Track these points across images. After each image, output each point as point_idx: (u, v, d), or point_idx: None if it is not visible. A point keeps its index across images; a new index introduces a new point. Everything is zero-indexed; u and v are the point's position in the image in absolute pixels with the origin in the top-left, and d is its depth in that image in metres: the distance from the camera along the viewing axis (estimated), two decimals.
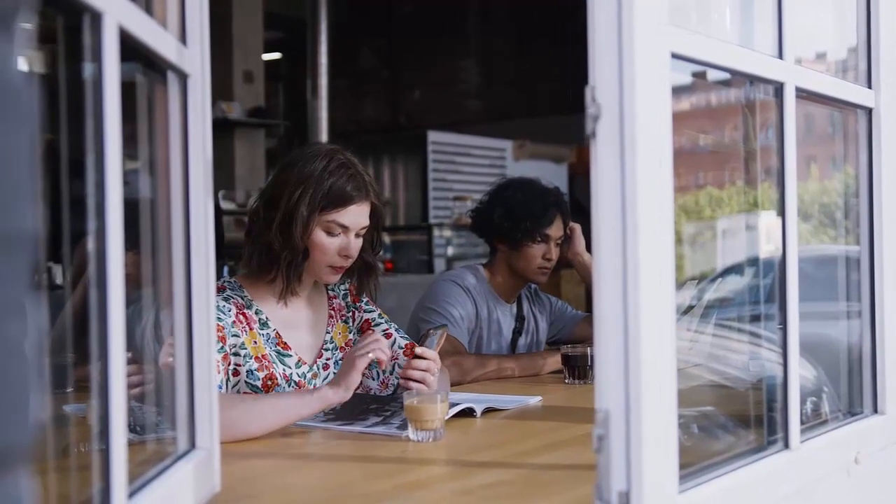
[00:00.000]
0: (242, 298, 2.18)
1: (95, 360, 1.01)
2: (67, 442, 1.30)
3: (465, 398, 2.17)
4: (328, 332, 2.30)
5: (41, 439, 0.59)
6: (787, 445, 1.49)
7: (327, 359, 2.28)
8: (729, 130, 2.01)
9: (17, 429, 0.54)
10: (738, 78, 1.58)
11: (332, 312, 2.33)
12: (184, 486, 1.28)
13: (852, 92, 1.75)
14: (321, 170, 2.12)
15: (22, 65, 0.57)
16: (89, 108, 1.01)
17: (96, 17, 0.98)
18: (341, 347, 2.30)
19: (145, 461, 1.28)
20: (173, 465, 1.28)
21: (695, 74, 1.45)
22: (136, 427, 1.36)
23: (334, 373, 2.25)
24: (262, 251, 2.16)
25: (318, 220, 2.13)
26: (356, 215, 2.16)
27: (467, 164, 8.31)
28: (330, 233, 2.15)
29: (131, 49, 1.10)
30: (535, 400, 2.31)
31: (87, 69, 1.01)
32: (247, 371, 2.11)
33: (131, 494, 1.08)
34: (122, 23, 1.03)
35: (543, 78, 9.33)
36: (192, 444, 1.36)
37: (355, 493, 1.50)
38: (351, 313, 2.36)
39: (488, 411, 2.14)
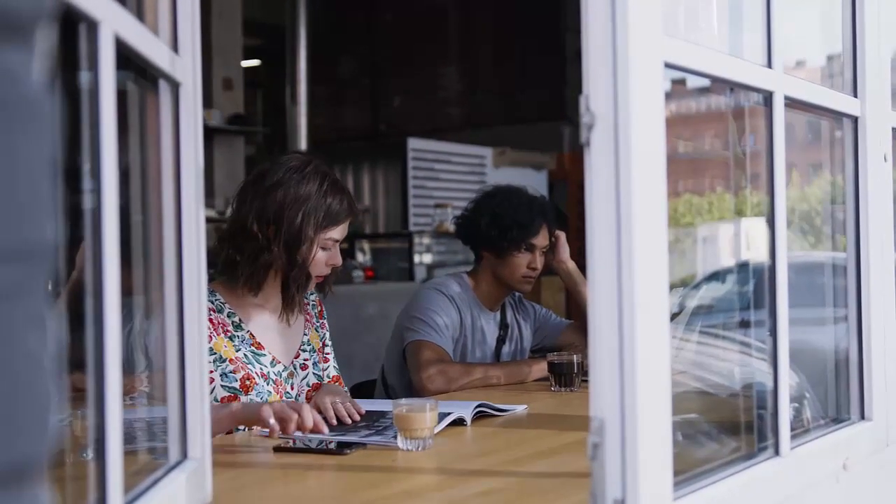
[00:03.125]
0: (213, 302, 2.21)
1: (91, 370, 1.00)
2: (61, 449, 1.29)
3: (453, 406, 2.17)
4: (305, 335, 2.38)
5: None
6: (777, 452, 1.50)
7: (305, 359, 2.35)
8: (709, 138, 2.03)
9: (39, 440, 0.54)
10: (720, 85, 1.59)
11: (308, 317, 2.41)
12: (176, 497, 1.27)
13: (839, 100, 1.77)
14: (317, 190, 2.21)
15: (41, 75, 0.57)
16: (85, 115, 1.00)
17: (93, 26, 0.98)
18: (318, 350, 2.39)
19: (137, 472, 1.27)
20: (166, 476, 1.27)
21: (674, 81, 1.46)
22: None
23: (314, 373, 2.35)
24: (262, 270, 2.21)
25: (319, 240, 2.23)
26: (345, 229, 2.29)
27: (447, 172, 8.30)
28: (324, 248, 2.25)
29: (124, 57, 1.09)
30: (521, 408, 2.31)
31: (83, 77, 1.00)
32: (221, 374, 2.15)
33: None
34: (117, 31, 1.03)
35: (524, 85, 9.37)
36: (184, 455, 1.35)
37: (347, 503, 1.49)
38: (320, 323, 2.46)
39: (479, 417, 2.14)
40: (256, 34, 9.17)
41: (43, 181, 0.55)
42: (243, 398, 2.15)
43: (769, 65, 1.51)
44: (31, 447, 0.53)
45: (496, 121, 9.41)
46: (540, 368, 2.78)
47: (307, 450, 1.83)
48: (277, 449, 1.84)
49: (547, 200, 3.10)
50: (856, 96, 1.80)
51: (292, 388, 2.29)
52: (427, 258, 7.58)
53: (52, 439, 0.56)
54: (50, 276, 0.57)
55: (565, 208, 7.24)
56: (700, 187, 2.01)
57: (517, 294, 3.16)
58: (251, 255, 2.19)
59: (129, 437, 1.40)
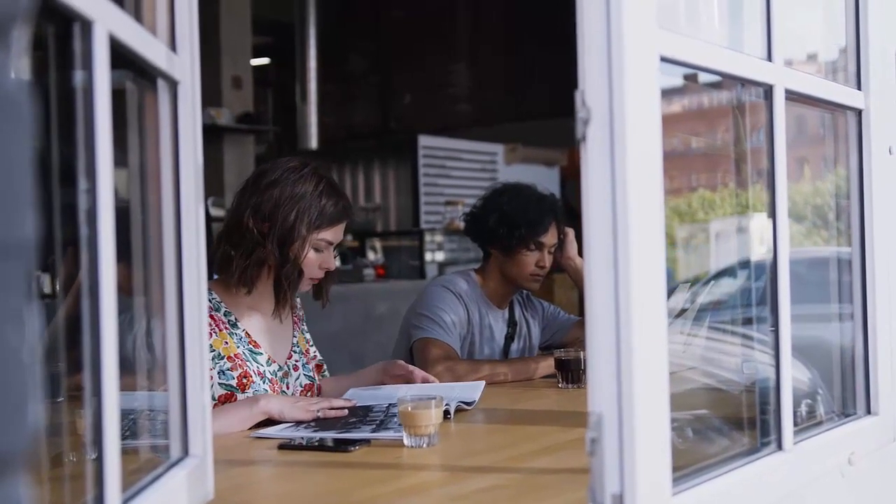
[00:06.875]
0: (210, 301, 2.23)
1: (88, 368, 1.00)
2: (61, 450, 1.30)
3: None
4: (294, 337, 2.42)
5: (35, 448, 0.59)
6: (780, 447, 1.49)
7: (296, 360, 2.40)
8: (721, 132, 2.02)
9: (16, 435, 0.54)
10: (729, 80, 1.58)
11: (296, 320, 2.46)
12: (177, 494, 1.27)
13: (842, 93, 1.76)
14: (312, 191, 2.25)
15: (18, 73, 0.57)
16: (80, 115, 1.00)
17: (87, 25, 0.98)
18: (304, 353, 2.43)
19: (138, 469, 1.27)
20: (167, 473, 1.28)
21: (686, 77, 1.46)
22: (126, 434, 1.35)
23: (304, 374, 2.39)
24: (255, 265, 2.24)
25: (311, 239, 2.25)
26: (340, 232, 2.32)
27: (458, 169, 8.29)
28: (317, 249, 2.28)
29: (121, 56, 1.10)
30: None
31: (77, 76, 1.01)
32: (219, 372, 2.18)
33: (125, 502, 1.08)
34: (112, 30, 1.03)
35: (534, 81, 9.35)
36: (186, 452, 1.36)
37: (351, 500, 1.50)
38: (304, 326, 2.50)
39: (486, 413, 2.16)
40: (265, 32, 9.17)
41: (22, 179, 0.55)
42: (240, 396, 2.17)
43: (769, 58, 1.50)
44: (9, 441, 0.54)
45: (507, 117, 9.38)
46: (547, 365, 2.78)
47: (311, 447, 1.84)
48: (281, 447, 1.85)
49: (556, 198, 3.10)
50: (860, 89, 1.79)
51: (287, 388, 2.32)
52: (438, 256, 7.57)
53: (32, 433, 0.56)
54: (32, 272, 0.57)
55: (577, 205, 7.22)
56: (713, 182, 2.01)
57: (525, 291, 3.15)
58: (245, 251, 2.23)
59: (135, 434, 1.40)
